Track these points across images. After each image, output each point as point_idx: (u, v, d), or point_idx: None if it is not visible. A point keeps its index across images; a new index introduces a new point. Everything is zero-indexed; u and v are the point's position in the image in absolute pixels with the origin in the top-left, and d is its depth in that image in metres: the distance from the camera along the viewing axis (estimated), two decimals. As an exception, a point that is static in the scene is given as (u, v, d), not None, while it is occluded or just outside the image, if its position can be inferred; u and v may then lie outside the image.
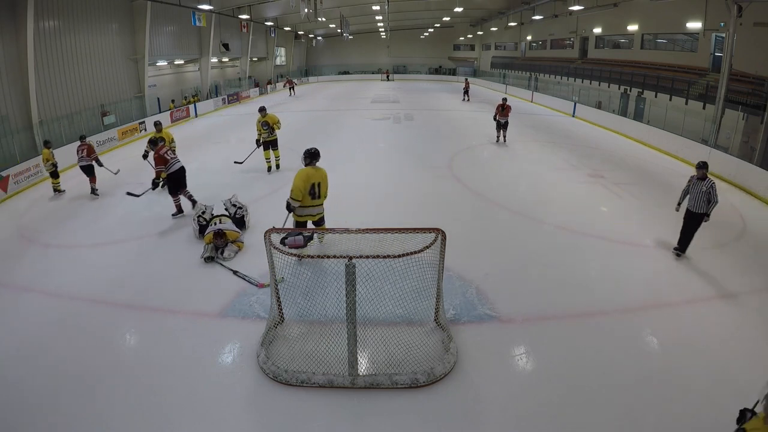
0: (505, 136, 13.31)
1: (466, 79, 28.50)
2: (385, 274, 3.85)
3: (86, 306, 4.99)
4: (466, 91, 25.32)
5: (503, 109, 12.93)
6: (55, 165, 9.13)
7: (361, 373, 3.79)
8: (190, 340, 4.38)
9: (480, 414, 3.52)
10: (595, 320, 4.69)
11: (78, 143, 9.18)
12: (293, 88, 29.90)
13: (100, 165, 9.15)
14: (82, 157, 8.96)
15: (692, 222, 6.06)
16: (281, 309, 4.30)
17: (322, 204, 5.73)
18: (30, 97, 12.08)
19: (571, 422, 3.42)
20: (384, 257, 3.64)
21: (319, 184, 5.55)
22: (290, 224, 5.83)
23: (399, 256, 3.67)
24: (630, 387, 3.75)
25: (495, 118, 13.15)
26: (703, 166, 6.10)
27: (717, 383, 3.78)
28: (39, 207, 8.52)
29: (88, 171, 9.04)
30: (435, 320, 4.39)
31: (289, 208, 5.54)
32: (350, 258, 3.50)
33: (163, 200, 7.95)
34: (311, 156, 5.54)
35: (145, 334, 4.56)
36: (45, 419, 3.44)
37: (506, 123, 13.17)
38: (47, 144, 9.23)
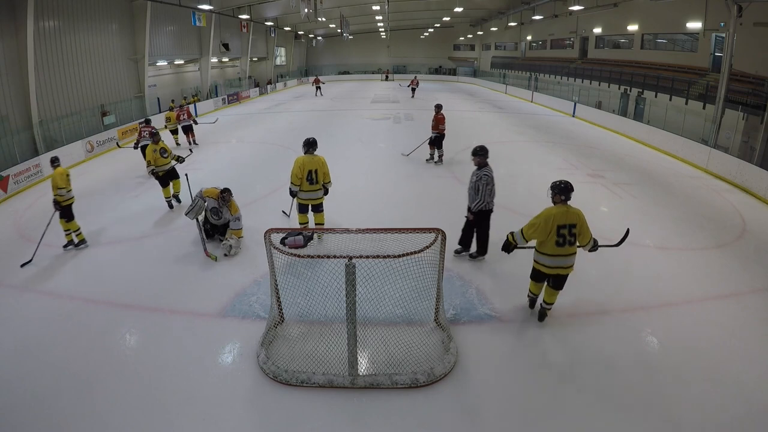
0: (440, 156, 10.59)
1: (415, 77, 28.85)
2: (385, 274, 3.85)
3: (86, 306, 4.99)
4: (413, 89, 26.06)
5: (433, 120, 10.33)
6: (178, 123, 13.28)
7: (361, 373, 3.79)
8: (190, 340, 4.38)
9: (480, 414, 3.51)
10: (595, 320, 4.69)
11: (178, 109, 13.94)
12: (320, 87, 29.19)
13: (196, 123, 13.45)
14: (184, 119, 13.14)
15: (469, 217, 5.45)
16: (281, 309, 4.31)
17: (320, 189, 6.16)
18: (30, 97, 12.07)
19: (571, 422, 3.42)
20: (384, 257, 3.64)
21: (315, 171, 6.00)
22: (294, 213, 6.68)
23: (399, 256, 3.67)
24: (630, 387, 3.75)
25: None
26: (476, 153, 5.34)
27: (717, 383, 3.78)
28: (39, 207, 8.52)
29: (188, 129, 13.16)
30: (435, 320, 4.39)
31: (292, 193, 6.15)
32: (350, 258, 3.50)
33: (163, 200, 7.95)
34: (308, 144, 6.08)
35: (145, 334, 4.56)
36: (45, 419, 3.44)
37: (437, 138, 10.35)
38: (172, 108, 14.46)
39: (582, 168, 10.55)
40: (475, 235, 5.74)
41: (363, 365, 3.91)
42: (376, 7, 27.70)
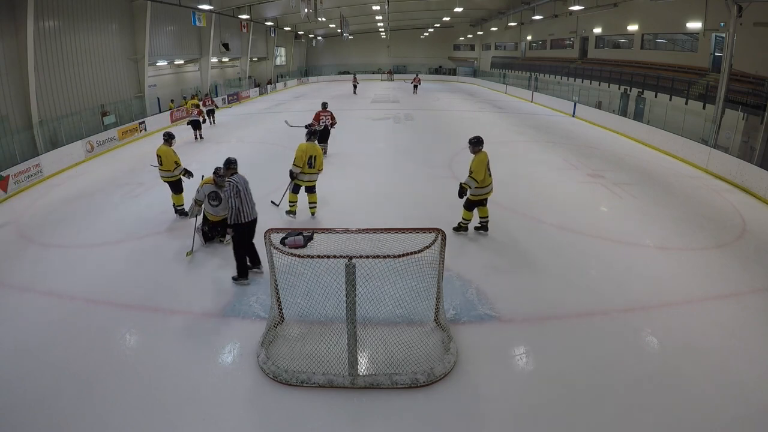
0: (325, 150, 11.23)
1: (417, 75, 30.81)
2: (385, 274, 3.84)
3: (86, 306, 4.99)
4: (415, 86, 28.39)
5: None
6: (204, 107, 16.47)
7: (361, 373, 3.78)
8: (190, 340, 4.38)
9: (480, 414, 3.52)
10: (595, 320, 4.69)
11: (205, 98, 18.14)
12: (356, 85, 29.37)
13: (217, 108, 17.40)
14: (209, 104, 16.83)
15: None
16: (281, 309, 4.30)
17: (316, 173, 7.05)
18: (30, 97, 12.07)
19: (571, 422, 3.42)
20: (384, 257, 3.64)
21: (315, 157, 6.91)
22: (285, 203, 7.42)
23: (399, 256, 3.67)
24: (630, 387, 3.75)
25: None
26: (225, 164, 5.32)
27: (717, 383, 3.78)
28: (39, 207, 8.52)
29: (211, 112, 16.93)
30: (435, 320, 4.39)
31: (292, 175, 6.92)
32: (350, 258, 3.50)
33: (163, 200, 7.94)
34: (311, 134, 7.09)
35: (145, 334, 4.56)
36: (45, 419, 3.44)
37: (320, 134, 10.56)
38: (194, 97, 16.96)
39: (582, 168, 10.55)
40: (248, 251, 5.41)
41: (363, 365, 3.91)
42: (376, 7, 27.68)
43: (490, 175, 6.28)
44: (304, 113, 20.93)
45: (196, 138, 14.39)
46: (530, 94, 24.87)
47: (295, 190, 7.14)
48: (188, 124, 14.66)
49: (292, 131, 14.42)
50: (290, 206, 7.26)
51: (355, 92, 28.43)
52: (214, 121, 17.22)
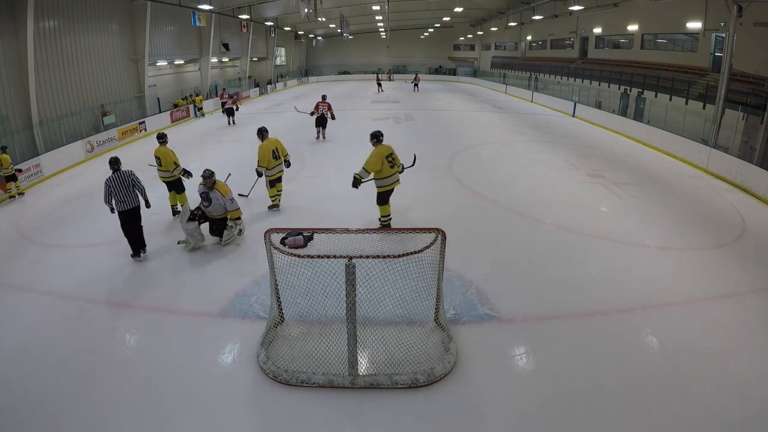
0: (321, 134, 13.55)
1: (416, 74, 32.00)
2: (385, 274, 3.85)
3: (86, 306, 4.99)
4: (415, 85, 29.32)
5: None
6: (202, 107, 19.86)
7: (361, 373, 3.79)
8: (190, 340, 4.38)
9: (480, 414, 3.52)
10: (595, 320, 4.69)
11: (222, 91, 20.12)
12: (380, 84, 29.70)
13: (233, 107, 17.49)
14: (225, 102, 17.67)
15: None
16: (281, 309, 4.31)
17: (281, 162, 7.59)
18: (30, 97, 12.06)
19: (571, 422, 3.42)
20: (384, 257, 3.64)
21: (276, 149, 7.42)
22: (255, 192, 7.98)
23: (399, 256, 3.67)
24: (630, 387, 3.75)
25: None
26: (109, 163, 5.87)
27: (717, 383, 3.77)
28: (39, 207, 8.52)
29: (230, 112, 17.32)
30: (435, 320, 4.39)
31: (260, 174, 7.41)
32: (350, 258, 3.50)
33: (163, 200, 7.93)
34: (261, 132, 7.57)
35: (145, 334, 4.56)
36: (45, 419, 3.44)
37: (318, 119, 13.30)
38: (198, 94, 20.28)
39: (582, 168, 10.55)
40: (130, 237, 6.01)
41: (363, 365, 3.91)
42: (376, 7, 27.65)
43: (393, 166, 6.60)
44: (304, 113, 20.91)
45: (228, 123, 17.08)
46: (530, 94, 24.85)
47: (272, 184, 7.60)
48: (223, 112, 17.50)
49: (293, 130, 14.43)
50: (272, 200, 7.71)
51: (380, 91, 28.81)
52: (234, 120, 17.53)
